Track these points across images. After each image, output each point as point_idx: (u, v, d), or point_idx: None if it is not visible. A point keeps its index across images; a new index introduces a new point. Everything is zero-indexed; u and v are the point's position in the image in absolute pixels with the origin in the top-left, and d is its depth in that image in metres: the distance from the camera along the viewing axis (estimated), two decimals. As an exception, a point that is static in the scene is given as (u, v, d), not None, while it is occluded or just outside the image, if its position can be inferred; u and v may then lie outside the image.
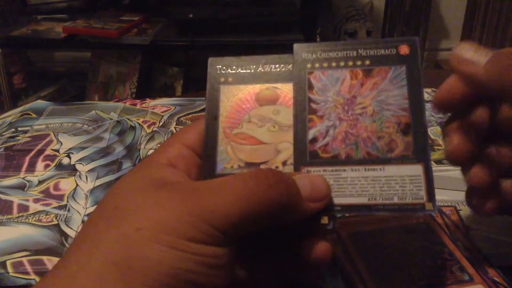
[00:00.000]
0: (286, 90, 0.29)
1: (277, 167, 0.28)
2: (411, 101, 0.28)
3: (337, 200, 0.27)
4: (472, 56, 0.27)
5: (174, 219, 0.22)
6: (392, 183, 0.27)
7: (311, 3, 1.52)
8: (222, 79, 0.30)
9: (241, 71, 0.30)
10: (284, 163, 0.28)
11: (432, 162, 0.42)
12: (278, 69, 0.30)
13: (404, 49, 0.28)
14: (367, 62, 0.29)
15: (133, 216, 0.23)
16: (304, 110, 0.28)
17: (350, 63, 0.29)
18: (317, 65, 0.29)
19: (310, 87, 0.29)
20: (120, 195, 0.25)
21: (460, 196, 0.41)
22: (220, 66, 0.30)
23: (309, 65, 0.29)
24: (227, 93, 0.29)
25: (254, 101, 0.29)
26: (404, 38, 0.29)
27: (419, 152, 0.27)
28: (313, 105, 0.28)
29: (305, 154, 0.28)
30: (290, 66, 0.29)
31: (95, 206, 0.42)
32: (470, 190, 0.30)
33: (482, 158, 0.29)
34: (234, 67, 0.30)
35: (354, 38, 1.67)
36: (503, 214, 0.31)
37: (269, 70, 0.30)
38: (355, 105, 0.28)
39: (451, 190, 0.41)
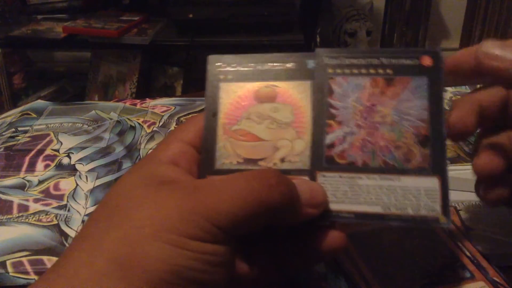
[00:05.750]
0: (285, 88, 0.29)
1: (275, 163, 0.28)
2: (431, 112, 0.28)
3: (351, 207, 0.27)
4: (499, 52, 0.28)
5: (175, 217, 0.22)
6: (407, 194, 0.27)
7: (311, 3, 1.52)
8: (222, 76, 0.30)
9: (241, 69, 0.30)
10: (282, 160, 0.28)
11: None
12: (277, 68, 0.29)
13: (427, 61, 0.28)
14: (389, 71, 0.28)
15: (134, 214, 0.23)
16: (323, 114, 0.28)
17: (372, 70, 0.29)
18: (338, 70, 0.29)
19: (330, 92, 0.29)
20: (122, 193, 0.25)
21: (460, 196, 0.41)
22: (220, 64, 0.30)
23: (330, 70, 0.29)
24: (226, 90, 0.29)
25: (253, 98, 0.29)
26: (427, 49, 0.29)
27: (436, 164, 0.27)
28: (332, 110, 0.28)
29: (322, 158, 0.28)
30: (289, 65, 0.29)
31: (95, 206, 0.42)
32: (479, 179, 0.30)
33: (493, 146, 0.29)
34: (233, 65, 0.30)
35: (354, 38, 1.67)
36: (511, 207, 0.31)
37: (268, 68, 0.30)
38: (375, 113, 0.28)
39: (451, 190, 0.41)
